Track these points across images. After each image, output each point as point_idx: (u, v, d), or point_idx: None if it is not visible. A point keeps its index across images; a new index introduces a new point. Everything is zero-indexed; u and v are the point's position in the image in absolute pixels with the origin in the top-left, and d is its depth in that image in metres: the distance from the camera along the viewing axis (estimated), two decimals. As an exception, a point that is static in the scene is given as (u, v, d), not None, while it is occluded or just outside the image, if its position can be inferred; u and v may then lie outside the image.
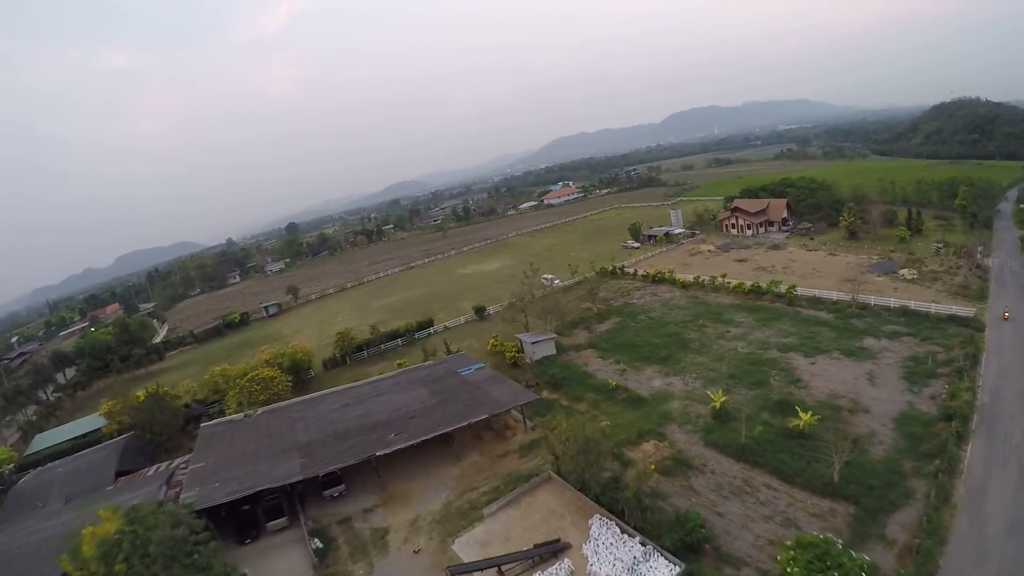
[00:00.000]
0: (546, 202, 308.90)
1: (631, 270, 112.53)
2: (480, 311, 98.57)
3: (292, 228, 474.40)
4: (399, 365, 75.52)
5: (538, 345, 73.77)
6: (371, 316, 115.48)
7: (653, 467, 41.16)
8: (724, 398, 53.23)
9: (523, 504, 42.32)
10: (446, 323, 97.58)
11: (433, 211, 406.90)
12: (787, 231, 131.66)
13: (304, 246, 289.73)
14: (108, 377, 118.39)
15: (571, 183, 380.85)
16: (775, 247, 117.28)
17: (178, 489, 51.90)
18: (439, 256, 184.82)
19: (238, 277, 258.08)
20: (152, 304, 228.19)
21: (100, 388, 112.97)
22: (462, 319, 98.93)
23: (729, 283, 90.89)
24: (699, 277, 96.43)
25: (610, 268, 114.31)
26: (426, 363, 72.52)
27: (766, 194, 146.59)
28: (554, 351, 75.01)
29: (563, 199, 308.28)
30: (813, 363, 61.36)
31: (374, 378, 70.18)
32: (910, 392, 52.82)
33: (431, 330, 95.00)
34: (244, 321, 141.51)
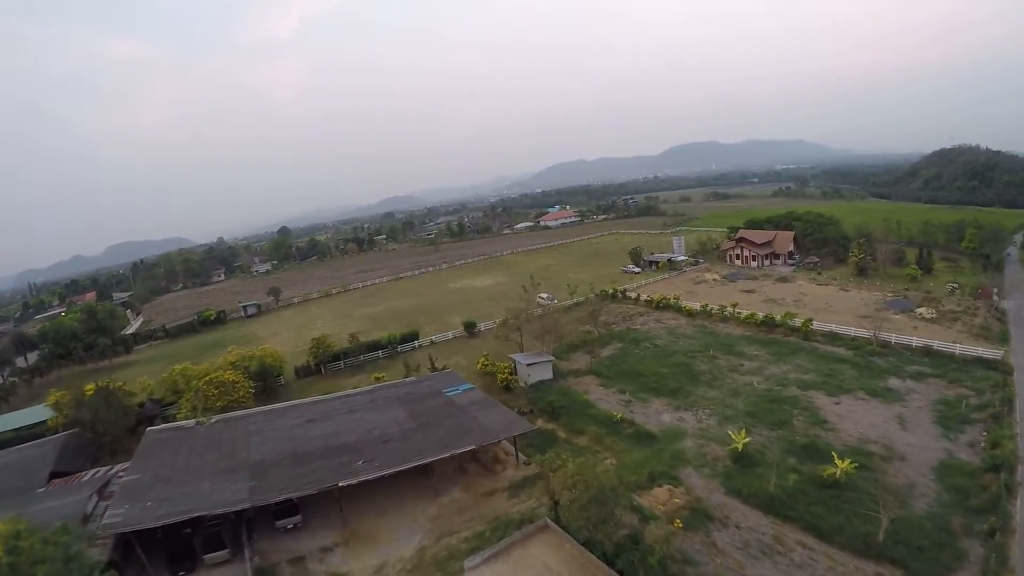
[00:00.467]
0: (543, 223, 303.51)
1: (633, 294, 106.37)
2: (470, 327, 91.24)
3: (284, 232, 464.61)
4: (376, 379, 67.51)
5: (534, 368, 66.61)
6: (353, 324, 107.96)
7: (679, 524, 33.91)
8: (747, 439, 46.38)
9: (513, 558, 34.43)
10: (432, 337, 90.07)
11: (427, 225, 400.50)
12: (793, 264, 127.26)
13: (293, 249, 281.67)
14: (70, 366, 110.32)
15: (568, 207, 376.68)
16: (783, 280, 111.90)
17: (109, 501, 44.12)
18: (430, 269, 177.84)
19: (223, 275, 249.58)
20: (127, 294, 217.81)
21: (60, 377, 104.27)
22: (450, 334, 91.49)
23: (740, 313, 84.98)
24: (707, 305, 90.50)
25: (611, 291, 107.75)
26: (407, 379, 64.37)
27: (771, 226, 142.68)
28: (551, 375, 67.88)
29: (560, 222, 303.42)
30: (837, 403, 55.29)
31: (347, 392, 61.91)
32: (946, 439, 47.02)
33: (416, 343, 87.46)
34: (220, 319, 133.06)
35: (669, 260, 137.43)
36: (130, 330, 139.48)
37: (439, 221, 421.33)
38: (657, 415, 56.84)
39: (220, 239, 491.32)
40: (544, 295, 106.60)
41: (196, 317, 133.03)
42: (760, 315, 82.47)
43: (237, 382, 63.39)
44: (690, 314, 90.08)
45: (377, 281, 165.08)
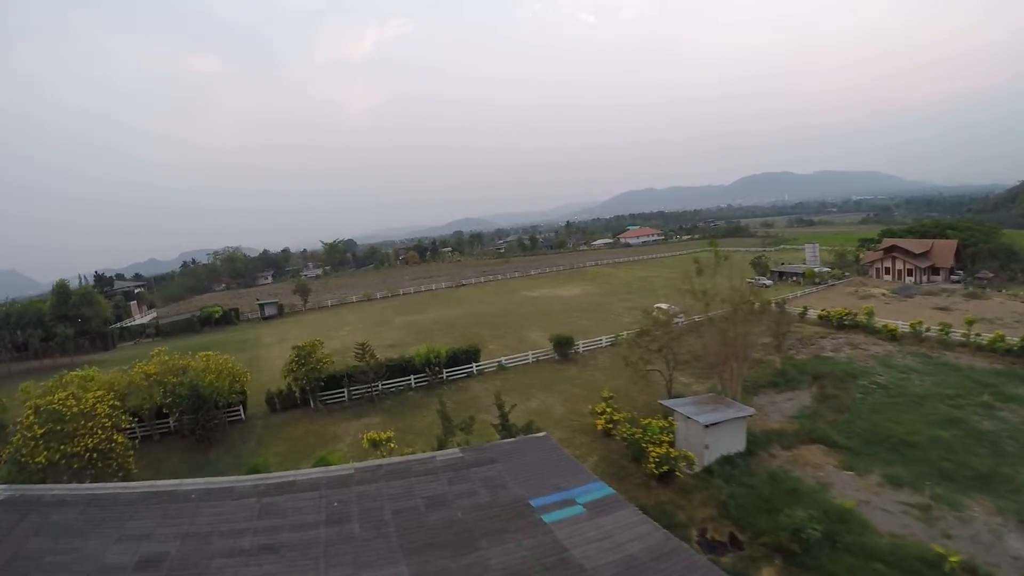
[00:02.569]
0: (623, 241, 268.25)
1: (796, 308, 71.15)
2: (563, 345, 55.60)
3: (350, 244, 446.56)
4: (372, 443, 30.04)
5: (718, 431, 30.74)
6: (389, 334, 75.84)
7: None
8: None
9: None
10: (501, 359, 55.08)
11: (497, 242, 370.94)
12: (958, 280, 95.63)
13: (349, 256, 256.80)
14: (25, 360, 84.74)
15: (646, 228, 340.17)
16: (974, 296, 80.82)
17: None
18: (498, 276, 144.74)
19: (270, 278, 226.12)
20: (139, 283, 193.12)
21: (11, 372, 78.72)
22: (530, 356, 56.01)
23: (979, 338, 51.18)
24: (920, 325, 56.49)
25: (758, 303, 71.83)
26: (445, 452, 20.85)
27: (913, 237, 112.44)
28: (744, 444, 32.07)
29: (641, 239, 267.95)
30: None
31: (292, 474, 18.53)
32: None
33: (473, 368, 52.97)
34: (227, 319, 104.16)
35: (816, 271, 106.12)
36: (133, 322, 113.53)
37: (509, 239, 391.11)
38: (1002, 546, 23.42)
39: (286, 249, 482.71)
40: (663, 306, 72.00)
41: (197, 314, 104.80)
42: (1013, 340, 48.27)
43: (95, 418, 30.39)
44: (893, 336, 57.04)
45: (433, 287, 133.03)
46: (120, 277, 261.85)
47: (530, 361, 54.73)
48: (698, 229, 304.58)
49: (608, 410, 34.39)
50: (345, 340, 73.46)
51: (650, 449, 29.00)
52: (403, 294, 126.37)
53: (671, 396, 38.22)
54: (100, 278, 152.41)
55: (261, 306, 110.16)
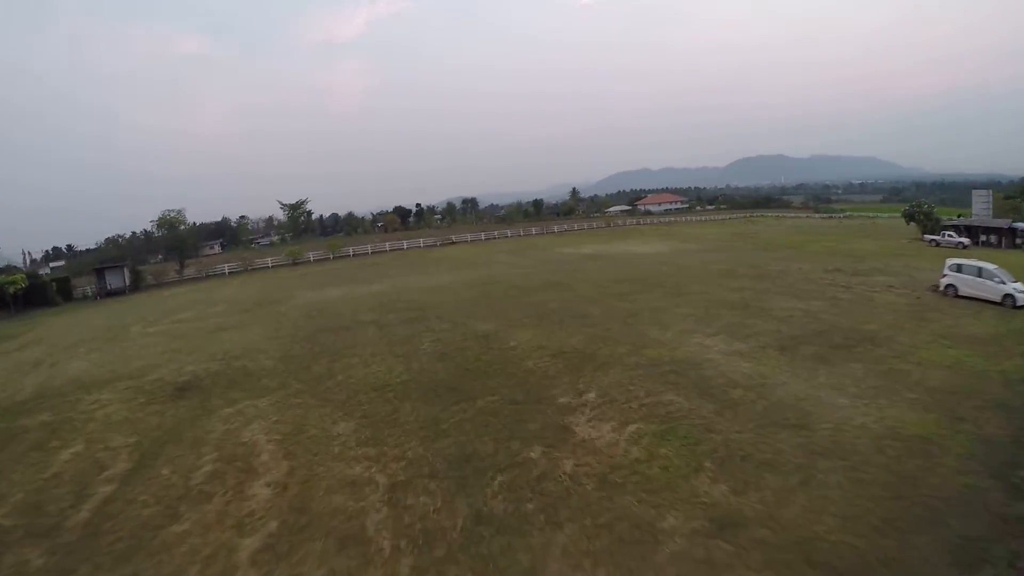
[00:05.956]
0: (642, 208, 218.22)
1: None
2: None
3: (333, 218, 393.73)
4: None
5: None
6: (237, 336, 27.18)
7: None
8: None
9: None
10: None
11: (496, 211, 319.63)
12: None
13: (315, 221, 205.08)
14: None
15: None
16: None
17: None
18: (507, 234, 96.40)
19: (218, 247, 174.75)
20: None
21: None
22: None
23: None
24: None
25: None
26: None
27: None
28: None
29: (664, 207, 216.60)
30: None
31: None
32: None
33: None
34: (41, 296, 54.53)
35: (1011, 227, 63.83)
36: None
37: (507, 207, 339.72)
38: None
39: (244, 216, 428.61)
40: (989, 265, 24.95)
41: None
42: None
43: None
44: None
45: (404, 246, 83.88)
46: (73, 250, 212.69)
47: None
48: (718, 200, 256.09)
49: None
50: (120, 366, 25.22)
51: None
52: (352, 255, 77.06)
53: None
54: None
55: (99, 273, 60.68)
